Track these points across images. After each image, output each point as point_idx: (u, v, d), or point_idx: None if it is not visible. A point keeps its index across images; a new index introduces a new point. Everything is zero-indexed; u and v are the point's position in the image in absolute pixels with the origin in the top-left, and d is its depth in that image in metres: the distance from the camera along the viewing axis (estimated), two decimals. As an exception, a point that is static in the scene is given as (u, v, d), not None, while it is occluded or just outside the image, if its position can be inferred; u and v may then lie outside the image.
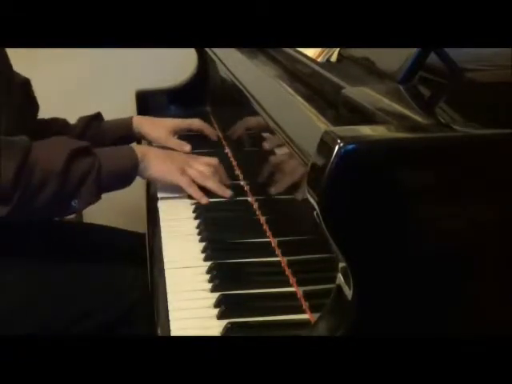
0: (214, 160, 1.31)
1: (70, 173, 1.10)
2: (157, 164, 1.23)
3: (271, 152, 1.08)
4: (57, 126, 1.49)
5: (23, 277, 1.17)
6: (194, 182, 1.25)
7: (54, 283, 1.18)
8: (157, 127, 1.54)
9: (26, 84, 1.37)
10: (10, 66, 1.30)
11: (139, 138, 1.59)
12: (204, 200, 1.24)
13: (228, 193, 1.26)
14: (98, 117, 1.55)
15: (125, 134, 1.54)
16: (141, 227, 1.37)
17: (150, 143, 1.58)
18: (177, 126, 1.56)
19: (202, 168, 1.27)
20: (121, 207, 1.31)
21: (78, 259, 1.25)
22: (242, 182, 1.31)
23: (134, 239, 1.40)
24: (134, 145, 1.23)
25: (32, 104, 1.41)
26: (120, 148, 1.24)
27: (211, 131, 1.59)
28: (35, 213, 1.12)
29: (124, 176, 1.19)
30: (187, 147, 1.47)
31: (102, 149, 1.18)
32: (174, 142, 1.51)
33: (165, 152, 1.30)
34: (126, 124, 1.54)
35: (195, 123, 1.59)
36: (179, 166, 1.26)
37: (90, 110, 1.53)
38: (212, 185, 1.26)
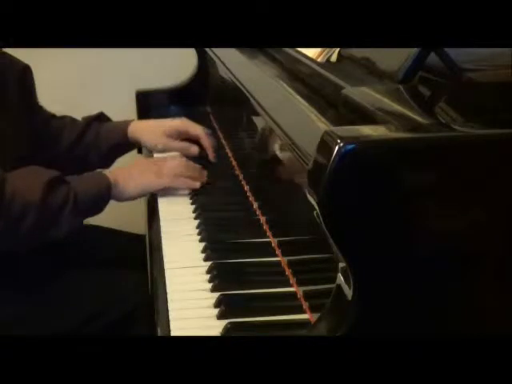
0: (177, 155, 1.35)
1: (49, 204, 1.08)
2: (131, 182, 1.21)
3: (271, 152, 1.08)
4: (59, 124, 1.45)
5: (23, 280, 1.17)
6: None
7: (53, 286, 1.18)
8: (153, 133, 1.44)
9: (25, 70, 1.32)
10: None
11: (139, 145, 1.51)
12: (203, 174, 1.30)
13: (205, 174, 1.31)
14: (99, 117, 1.48)
15: (121, 142, 1.46)
16: (141, 228, 1.37)
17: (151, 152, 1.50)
18: (174, 129, 1.44)
19: (174, 163, 1.27)
20: (120, 208, 1.30)
21: (77, 261, 1.25)
22: (242, 182, 1.31)
23: (134, 241, 1.39)
24: (106, 170, 1.21)
25: (29, 90, 1.35)
26: (91, 175, 1.23)
27: (208, 144, 1.43)
28: (16, 245, 1.10)
29: (98, 202, 1.17)
30: (193, 148, 1.40)
31: (73, 177, 1.16)
32: (178, 145, 1.42)
33: (131, 167, 1.27)
34: (122, 130, 1.46)
35: (196, 131, 1.45)
36: (152, 172, 1.24)
37: (90, 110, 1.53)
38: (192, 173, 1.29)
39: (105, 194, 1.17)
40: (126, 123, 1.47)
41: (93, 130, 1.45)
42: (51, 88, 1.33)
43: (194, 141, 1.44)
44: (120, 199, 1.21)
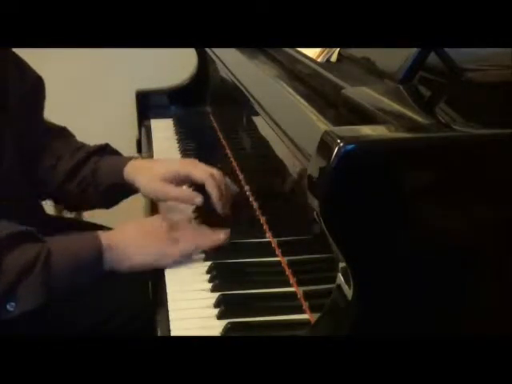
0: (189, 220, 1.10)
1: (3, 264, 0.89)
2: (136, 250, 0.99)
3: (271, 153, 1.08)
4: (57, 150, 1.28)
5: None
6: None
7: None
8: (149, 177, 1.13)
9: (38, 80, 1.29)
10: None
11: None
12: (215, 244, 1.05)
13: (222, 238, 1.04)
14: (103, 149, 1.27)
15: (118, 182, 1.19)
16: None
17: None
18: (173, 173, 1.12)
19: (189, 233, 1.05)
20: (120, 208, 1.30)
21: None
22: (242, 182, 1.31)
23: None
24: (100, 232, 0.99)
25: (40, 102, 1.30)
26: (81, 235, 0.99)
27: (215, 193, 1.09)
28: None
29: (82, 271, 0.96)
30: (198, 199, 1.07)
31: (54, 237, 0.96)
32: (176, 194, 1.10)
33: (140, 230, 1.02)
34: (119, 169, 1.19)
35: (200, 177, 1.10)
36: (165, 240, 1.01)
37: (90, 110, 1.53)
38: (206, 244, 1.05)
39: (91, 262, 0.95)
40: (125, 161, 1.20)
41: (90, 164, 1.24)
42: (51, 88, 1.32)
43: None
44: (119, 269, 0.99)
